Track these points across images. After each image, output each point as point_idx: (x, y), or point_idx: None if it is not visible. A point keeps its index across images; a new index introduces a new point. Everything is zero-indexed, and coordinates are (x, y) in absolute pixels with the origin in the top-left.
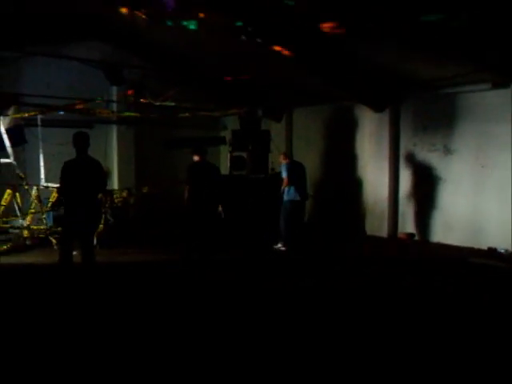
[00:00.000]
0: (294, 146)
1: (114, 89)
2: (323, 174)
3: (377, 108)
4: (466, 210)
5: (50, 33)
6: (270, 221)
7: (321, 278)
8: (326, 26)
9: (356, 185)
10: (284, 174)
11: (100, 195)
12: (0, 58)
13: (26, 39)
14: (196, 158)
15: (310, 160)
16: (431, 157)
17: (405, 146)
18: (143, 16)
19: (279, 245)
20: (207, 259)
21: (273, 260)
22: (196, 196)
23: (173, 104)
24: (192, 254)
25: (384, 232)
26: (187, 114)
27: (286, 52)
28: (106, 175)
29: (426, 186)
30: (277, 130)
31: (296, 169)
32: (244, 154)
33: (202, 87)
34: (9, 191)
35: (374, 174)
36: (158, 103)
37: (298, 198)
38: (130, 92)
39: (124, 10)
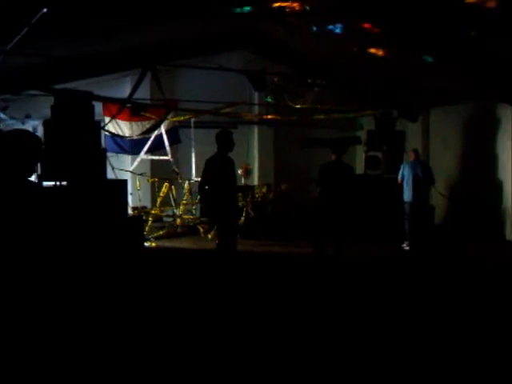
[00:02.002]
0: (431, 146)
1: (256, 93)
2: (460, 176)
3: None
4: None
5: (202, 47)
6: (399, 220)
7: (439, 281)
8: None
9: (495, 187)
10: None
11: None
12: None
13: (180, 54)
14: (333, 156)
15: (447, 161)
16: None
17: None
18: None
19: (404, 244)
20: (341, 257)
21: (396, 259)
22: (328, 196)
23: (310, 106)
24: (324, 251)
25: None
26: (323, 116)
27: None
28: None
29: None
30: (413, 130)
31: (411, 169)
32: (379, 154)
33: (339, 89)
34: (166, 184)
35: None
36: (296, 106)
37: (409, 200)
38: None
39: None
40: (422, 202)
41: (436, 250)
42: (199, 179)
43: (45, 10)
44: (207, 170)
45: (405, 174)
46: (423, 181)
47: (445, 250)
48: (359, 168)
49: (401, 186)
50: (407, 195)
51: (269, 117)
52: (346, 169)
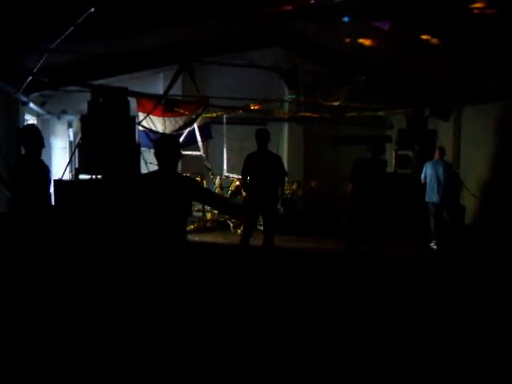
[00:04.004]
0: (462, 146)
1: (286, 91)
2: (492, 176)
3: None
4: None
5: (234, 44)
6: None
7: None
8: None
9: None
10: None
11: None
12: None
13: (213, 51)
14: (368, 154)
15: (478, 160)
16: None
17: None
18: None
19: (432, 243)
20: (373, 255)
21: (422, 258)
22: (360, 193)
23: (341, 104)
24: (354, 248)
25: None
26: (354, 114)
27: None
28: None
29: None
30: (444, 129)
31: (434, 168)
32: (409, 153)
33: (371, 87)
34: (198, 179)
35: None
36: (327, 103)
37: (433, 200)
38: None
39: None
40: (447, 202)
41: (464, 250)
42: (234, 175)
43: (92, 9)
44: (246, 165)
45: (427, 173)
46: (448, 181)
47: (472, 250)
48: (389, 166)
49: (424, 186)
50: (430, 196)
51: (300, 114)
52: (380, 166)
